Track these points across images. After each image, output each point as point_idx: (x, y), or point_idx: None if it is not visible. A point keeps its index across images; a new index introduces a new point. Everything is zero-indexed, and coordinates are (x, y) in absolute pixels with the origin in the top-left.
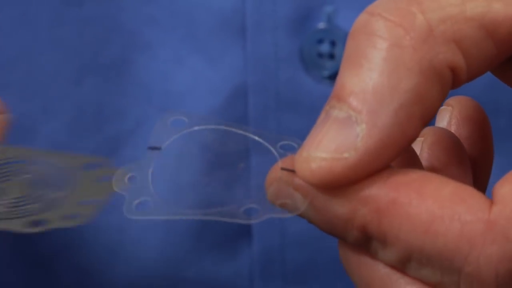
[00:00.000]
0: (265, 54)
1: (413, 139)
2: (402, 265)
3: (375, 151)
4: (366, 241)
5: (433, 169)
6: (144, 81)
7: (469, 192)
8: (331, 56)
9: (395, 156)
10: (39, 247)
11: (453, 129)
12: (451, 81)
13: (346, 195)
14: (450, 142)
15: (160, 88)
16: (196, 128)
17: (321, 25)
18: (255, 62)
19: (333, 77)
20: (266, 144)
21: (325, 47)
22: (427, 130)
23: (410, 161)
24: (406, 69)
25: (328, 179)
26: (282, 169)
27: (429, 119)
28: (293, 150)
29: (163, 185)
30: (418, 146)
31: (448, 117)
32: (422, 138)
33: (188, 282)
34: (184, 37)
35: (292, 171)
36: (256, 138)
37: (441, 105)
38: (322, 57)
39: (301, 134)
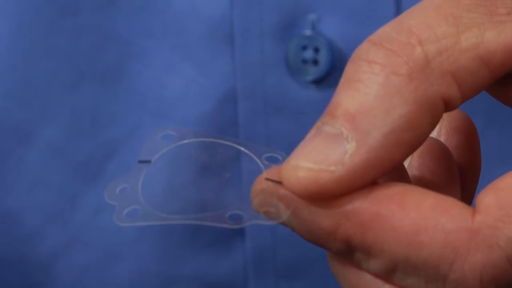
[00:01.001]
0: (252, 60)
1: (399, 163)
2: (387, 275)
3: (361, 169)
4: (349, 252)
5: (422, 178)
6: (138, 88)
7: (450, 203)
8: (315, 62)
9: (379, 177)
10: (39, 247)
11: (442, 139)
12: (442, 111)
13: (329, 208)
14: (440, 151)
15: (154, 95)
16: (185, 141)
17: (306, 32)
18: (243, 68)
19: (316, 81)
20: (252, 155)
21: (309, 54)
22: None
23: (397, 173)
24: (401, 96)
25: (312, 190)
26: (267, 179)
27: (416, 147)
28: (277, 162)
29: (152, 194)
30: None
31: (438, 127)
32: None
33: (184, 280)
34: (176, 45)
35: (277, 182)
36: (242, 149)
37: (430, 133)
38: (306, 63)
39: (289, 136)
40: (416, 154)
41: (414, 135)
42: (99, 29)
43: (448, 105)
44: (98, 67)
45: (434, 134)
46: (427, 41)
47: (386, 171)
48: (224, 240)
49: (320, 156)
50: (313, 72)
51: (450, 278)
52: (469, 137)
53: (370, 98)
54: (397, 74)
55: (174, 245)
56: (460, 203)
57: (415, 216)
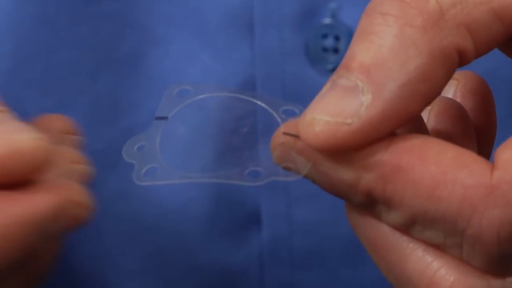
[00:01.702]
0: (272, 48)
1: (415, 115)
2: (406, 227)
3: (377, 121)
4: (370, 204)
5: (439, 137)
6: (157, 75)
7: (470, 157)
8: (335, 50)
9: (395, 128)
10: None
11: (458, 101)
12: (457, 63)
13: (350, 161)
14: (456, 111)
15: (173, 82)
16: (201, 96)
17: (326, 20)
18: (263, 57)
19: None
20: (269, 109)
21: (329, 42)
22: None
23: (417, 126)
24: (416, 48)
25: (330, 143)
26: (284, 133)
27: (433, 98)
28: (295, 115)
29: (171, 152)
30: (425, 115)
31: (454, 90)
32: (429, 107)
33: (199, 269)
34: (195, 33)
35: (295, 135)
36: (259, 103)
37: (445, 85)
38: (326, 51)
39: None
40: (433, 114)
41: (429, 87)
42: (120, 16)
43: (462, 58)
44: (118, 55)
45: (450, 96)
46: None
47: (402, 123)
48: (240, 228)
49: (336, 109)
50: (333, 61)
51: (467, 233)
52: (484, 99)
53: (384, 50)
54: (411, 25)
55: (190, 234)
56: (479, 158)
57: (434, 170)
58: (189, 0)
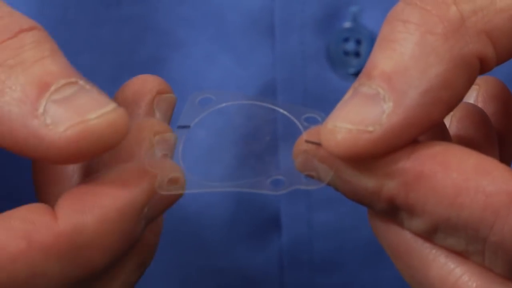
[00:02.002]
0: (293, 52)
1: (437, 122)
2: (428, 234)
3: (399, 129)
4: (393, 211)
5: (461, 142)
6: (177, 79)
7: (492, 164)
8: (357, 54)
9: (417, 136)
10: None
11: (479, 106)
12: (478, 70)
13: (373, 169)
14: (478, 116)
15: (193, 85)
16: (223, 104)
17: (347, 24)
18: (283, 60)
19: (358, 74)
20: (291, 116)
21: (350, 46)
22: None
23: (439, 132)
24: (437, 56)
25: (352, 151)
26: (307, 141)
27: (454, 105)
28: (317, 122)
29: (193, 159)
30: (447, 120)
31: (475, 95)
32: (452, 113)
33: (220, 272)
34: (215, 36)
35: (317, 143)
36: (281, 110)
37: (467, 93)
38: (348, 55)
39: None
40: (455, 119)
41: (451, 94)
42: (140, 20)
43: (483, 65)
44: (138, 58)
45: (471, 101)
46: (462, 1)
47: (424, 130)
48: (260, 232)
49: (358, 116)
50: (355, 64)
51: (490, 240)
52: (506, 104)
53: (406, 58)
54: (432, 33)
55: (210, 237)
56: (501, 165)
57: (456, 177)
58: (209, 3)
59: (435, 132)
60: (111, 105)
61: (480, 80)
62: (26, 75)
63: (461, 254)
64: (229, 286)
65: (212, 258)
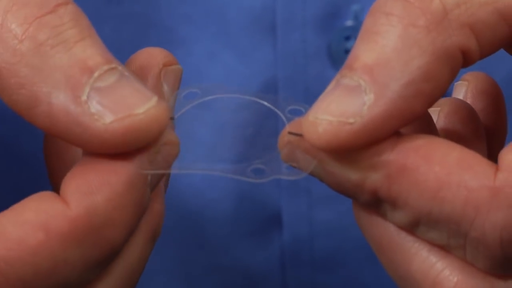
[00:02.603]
0: (294, 50)
1: (419, 114)
2: (411, 227)
3: (380, 120)
4: (376, 203)
5: (449, 137)
6: None
7: (475, 158)
8: None
9: (398, 128)
10: None
11: (469, 102)
12: (461, 63)
13: (356, 161)
14: (466, 112)
15: (195, 82)
16: (207, 98)
17: (349, 22)
18: (285, 58)
19: None
20: (275, 109)
21: (352, 44)
22: (444, 101)
23: (425, 126)
24: (419, 48)
25: (333, 143)
26: (289, 133)
27: (436, 98)
28: (301, 114)
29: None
30: (435, 115)
31: (464, 91)
32: (439, 108)
33: (221, 270)
34: (217, 34)
35: (299, 135)
36: (265, 103)
37: (450, 86)
38: (349, 54)
39: None
40: (443, 114)
41: (433, 86)
42: (142, 17)
43: (466, 58)
44: None
45: (460, 97)
46: None
47: (406, 122)
48: (261, 230)
49: (339, 108)
50: None
51: (471, 235)
52: (495, 100)
53: (388, 50)
54: (414, 25)
55: (212, 235)
56: (484, 160)
57: (439, 171)
58: (211, 1)
59: (421, 125)
60: (154, 98)
61: (469, 75)
62: (68, 57)
63: (443, 248)
64: (230, 283)
65: (213, 256)
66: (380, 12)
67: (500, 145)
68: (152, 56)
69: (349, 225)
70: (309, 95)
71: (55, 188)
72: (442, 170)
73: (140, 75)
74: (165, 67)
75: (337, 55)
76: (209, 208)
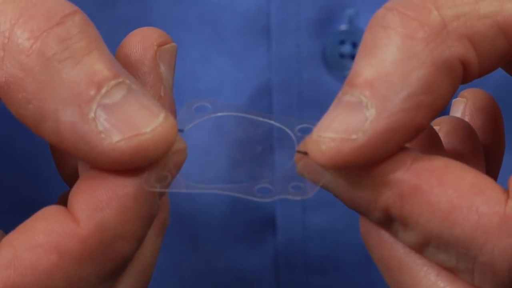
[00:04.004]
0: (288, 54)
1: (422, 127)
2: (420, 248)
3: (383, 135)
4: (387, 222)
5: (448, 156)
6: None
7: (488, 183)
8: (353, 56)
9: (403, 142)
10: None
11: (467, 119)
12: (461, 74)
13: (371, 177)
14: (465, 130)
15: (189, 87)
16: (219, 114)
17: (343, 27)
18: (279, 62)
19: None
20: (284, 128)
21: (346, 48)
22: (442, 119)
23: (432, 142)
24: (418, 60)
25: (336, 160)
26: (297, 152)
27: (438, 110)
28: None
29: (188, 163)
30: None
31: (463, 108)
32: (438, 127)
33: (215, 273)
34: (211, 38)
35: (305, 153)
36: (275, 123)
37: (452, 98)
38: (343, 58)
39: None
40: (442, 134)
41: (433, 98)
42: (136, 21)
43: (466, 70)
44: None
45: (458, 114)
46: (444, 6)
47: (410, 136)
48: (255, 233)
49: (341, 125)
50: (350, 67)
51: (479, 260)
52: (493, 117)
53: (386, 64)
54: (413, 38)
55: (205, 238)
56: (497, 186)
57: (451, 194)
58: (206, 5)
59: (429, 141)
60: (162, 114)
61: (467, 92)
62: (76, 72)
63: (451, 271)
64: (224, 287)
65: (207, 259)
66: (378, 26)
67: (498, 163)
68: (146, 37)
69: (342, 228)
70: (303, 99)
71: (64, 177)
72: (454, 193)
73: (136, 60)
74: (159, 47)
75: (331, 59)
76: (203, 211)
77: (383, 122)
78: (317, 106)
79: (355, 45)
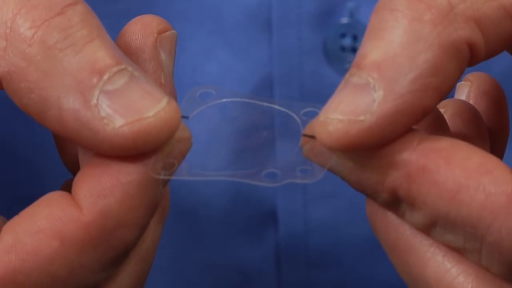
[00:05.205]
0: (290, 47)
1: (429, 109)
2: (427, 229)
3: (390, 116)
4: (394, 203)
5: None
6: (174, 73)
7: (495, 163)
8: (354, 49)
9: (410, 124)
10: None
11: (471, 103)
12: (468, 56)
13: (378, 158)
14: (470, 113)
15: (190, 80)
16: (223, 100)
17: (344, 20)
18: (280, 55)
19: None
20: (289, 112)
21: (347, 41)
22: (447, 102)
23: (438, 124)
24: (425, 42)
25: (344, 142)
26: (304, 135)
27: (445, 92)
28: (316, 115)
29: (191, 153)
30: None
31: (467, 91)
32: (443, 109)
33: (216, 267)
34: (212, 31)
35: (313, 136)
36: (281, 108)
37: (458, 80)
38: (344, 51)
39: None
40: (446, 117)
41: (441, 80)
42: (138, 14)
43: (473, 52)
44: None
45: (463, 97)
46: None
47: (417, 118)
48: (257, 227)
49: (348, 107)
50: (351, 60)
51: (486, 240)
52: (497, 101)
53: (394, 46)
54: (420, 20)
55: (207, 232)
56: (504, 166)
57: (458, 173)
58: None
59: (434, 122)
60: (164, 99)
61: (472, 76)
62: (77, 60)
63: (459, 251)
64: (226, 280)
65: (209, 253)
66: (385, 9)
67: (503, 145)
68: (146, 25)
69: (344, 222)
70: (305, 92)
71: (67, 164)
72: (461, 173)
73: (137, 47)
74: (159, 34)
75: (332, 52)
76: (204, 205)
77: (390, 104)
78: (318, 99)
79: (356, 38)
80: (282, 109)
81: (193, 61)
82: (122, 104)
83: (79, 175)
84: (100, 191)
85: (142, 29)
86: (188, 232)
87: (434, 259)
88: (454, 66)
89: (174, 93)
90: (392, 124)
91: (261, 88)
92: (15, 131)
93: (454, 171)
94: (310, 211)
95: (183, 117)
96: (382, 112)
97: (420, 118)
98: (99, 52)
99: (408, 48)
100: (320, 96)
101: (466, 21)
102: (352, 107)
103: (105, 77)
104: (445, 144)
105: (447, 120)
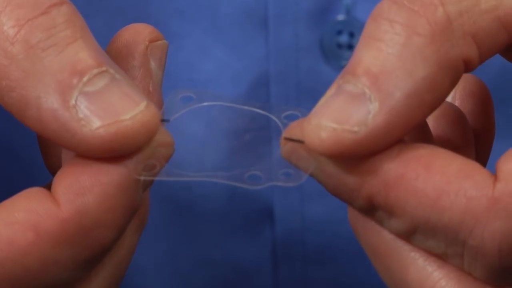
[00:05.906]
0: (286, 44)
1: (420, 123)
2: (408, 236)
3: (384, 130)
4: (371, 210)
5: (438, 141)
6: (170, 70)
7: (475, 168)
8: (350, 46)
9: (401, 137)
10: None
11: (457, 104)
12: (462, 72)
13: (355, 165)
14: (455, 115)
15: (186, 77)
16: (204, 104)
17: (340, 17)
18: (277, 52)
19: None
20: (270, 115)
21: (344, 38)
22: None
23: (422, 132)
24: (423, 58)
25: (335, 150)
26: (286, 139)
27: (437, 106)
28: (297, 119)
29: (184, 152)
30: None
31: (453, 93)
32: None
33: (213, 264)
34: (209, 28)
35: (298, 141)
36: (260, 111)
37: (449, 94)
38: (341, 48)
39: None
40: (431, 118)
41: (435, 96)
42: (133, 11)
43: (467, 66)
44: None
45: (449, 99)
46: (448, 2)
47: (407, 132)
48: (253, 224)
49: (343, 115)
50: (348, 57)
51: (469, 244)
52: (483, 102)
53: (392, 58)
54: (419, 34)
55: (203, 229)
56: (484, 170)
57: (439, 180)
58: None
59: (418, 130)
60: (143, 103)
61: None
62: (59, 60)
63: (440, 257)
64: (222, 278)
65: (205, 250)
66: (383, 19)
67: (488, 147)
68: (138, 32)
69: (340, 220)
70: (301, 90)
71: (49, 168)
72: (442, 179)
73: (127, 53)
74: (151, 43)
75: (329, 49)
76: (201, 202)
77: (385, 117)
78: (314, 96)
79: (352, 35)
80: (263, 112)
81: (190, 58)
82: (100, 106)
83: (59, 173)
84: (78, 189)
85: (134, 36)
86: (185, 229)
87: (415, 263)
88: (449, 82)
89: (161, 102)
90: (385, 137)
91: (257, 85)
92: (10, 128)
93: (434, 177)
94: (307, 209)
95: (164, 120)
96: (376, 125)
97: (410, 131)
98: (81, 53)
99: (406, 62)
100: (316, 93)
101: (463, 36)
102: (346, 116)
103: (85, 78)
104: (424, 151)
105: (432, 122)
